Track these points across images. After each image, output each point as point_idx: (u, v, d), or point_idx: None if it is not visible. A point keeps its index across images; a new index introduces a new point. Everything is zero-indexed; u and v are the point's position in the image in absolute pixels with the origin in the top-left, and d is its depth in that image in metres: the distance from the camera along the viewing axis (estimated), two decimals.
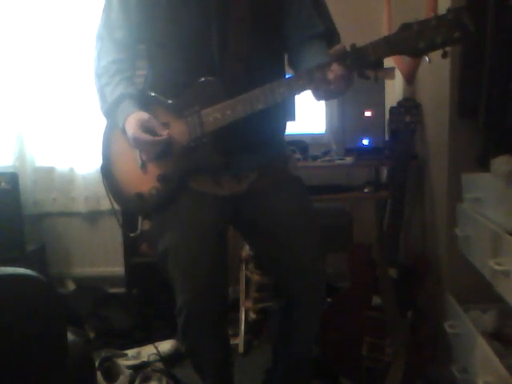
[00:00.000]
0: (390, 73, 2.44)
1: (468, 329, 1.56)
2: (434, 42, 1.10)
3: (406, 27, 1.12)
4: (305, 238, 1.41)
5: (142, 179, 1.36)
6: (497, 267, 1.29)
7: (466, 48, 1.62)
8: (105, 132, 1.46)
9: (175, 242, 1.35)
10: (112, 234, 2.88)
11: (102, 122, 1.48)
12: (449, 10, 1.09)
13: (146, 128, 1.31)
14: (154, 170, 1.36)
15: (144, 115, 1.32)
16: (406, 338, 1.80)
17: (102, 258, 2.93)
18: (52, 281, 2.66)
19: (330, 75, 1.18)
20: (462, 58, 1.65)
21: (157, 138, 1.31)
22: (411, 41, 1.12)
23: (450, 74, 1.75)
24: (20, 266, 1.06)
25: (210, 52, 1.32)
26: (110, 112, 1.39)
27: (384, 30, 2.47)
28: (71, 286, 2.85)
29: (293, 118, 2.35)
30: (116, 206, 1.45)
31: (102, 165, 1.45)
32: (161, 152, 1.33)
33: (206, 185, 1.37)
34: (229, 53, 1.31)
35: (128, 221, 2.62)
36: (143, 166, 1.37)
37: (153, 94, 1.38)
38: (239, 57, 1.31)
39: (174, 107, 1.34)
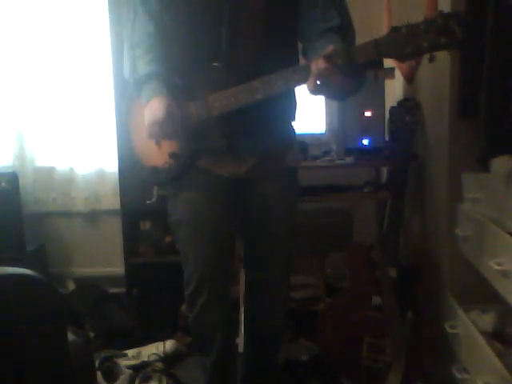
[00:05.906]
0: (390, 73, 2.44)
1: (468, 329, 1.56)
2: (420, 47, 1.10)
3: (395, 30, 1.12)
4: (279, 242, 1.54)
5: (156, 153, 1.46)
6: (497, 267, 1.29)
7: (466, 48, 1.62)
8: (126, 104, 1.55)
9: (187, 214, 1.47)
10: (112, 234, 2.88)
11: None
12: (438, 15, 1.08)
13: (168, 112, 1.37)
14: (166, 147, 1.45)
15: (169, 101, 1.37)
16: (406, 337, 1.80)
17: (101, 258, 2.93)
18: (52, 281, 2.66)
19: (319, 71, 1.19)
20: (462, 58, 1.65)
21: (172, 128, 1.37)
22: (399, 45, 1.11)
23: (450, 74, 1.75)
24: (20, 266, 1.06)
25: (219, 40, 1.37)
26: (139, 84, 1.45)
27: (384, 31, 2.47)
28: (71, 286, 2.85)
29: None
30: None
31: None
32: (169, 133, 1.40)
33: (210, 164, 1.45)
34: (238, 42, 1.37)
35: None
36: (157, 142, 1.46)
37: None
38: (248, 46, 1.37)
39: (184, 89, 1.41)
